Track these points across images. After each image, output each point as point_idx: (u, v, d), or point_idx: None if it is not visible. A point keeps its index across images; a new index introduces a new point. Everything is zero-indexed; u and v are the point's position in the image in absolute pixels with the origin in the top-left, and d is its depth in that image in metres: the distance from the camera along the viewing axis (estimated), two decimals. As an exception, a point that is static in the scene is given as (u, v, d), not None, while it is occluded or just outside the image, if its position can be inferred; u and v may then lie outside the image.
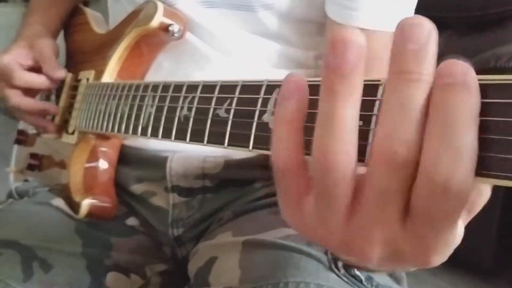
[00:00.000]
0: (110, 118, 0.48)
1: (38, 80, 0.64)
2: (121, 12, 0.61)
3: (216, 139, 0.32)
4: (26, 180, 0.68)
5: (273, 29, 0.56)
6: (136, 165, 0.62)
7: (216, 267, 0.50)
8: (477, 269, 1.34)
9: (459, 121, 0.20)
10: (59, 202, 0.60)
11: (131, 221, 0.63)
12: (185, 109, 0.36)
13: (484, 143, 0.20)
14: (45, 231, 0.56)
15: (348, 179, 0.23)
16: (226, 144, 0.31)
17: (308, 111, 0.24)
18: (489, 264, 1.30)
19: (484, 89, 0.21)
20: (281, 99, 0.24)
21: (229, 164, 0.58)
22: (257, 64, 0.58)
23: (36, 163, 0.68)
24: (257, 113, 0.30)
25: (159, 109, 0.39)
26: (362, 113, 0.23)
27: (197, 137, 0.34)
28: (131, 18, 0.58)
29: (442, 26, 1.60)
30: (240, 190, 0.59)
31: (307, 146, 0.24)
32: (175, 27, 0.54)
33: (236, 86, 0.32)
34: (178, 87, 0.38)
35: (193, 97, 0.35)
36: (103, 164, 0.59)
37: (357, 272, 0.46)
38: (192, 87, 0.36)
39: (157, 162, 0.59)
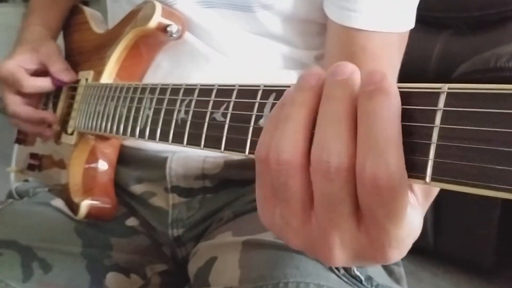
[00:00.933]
0: (109, 119, 0.48)
1: (47, 84, 0.64)
2: (120, 12, 0.61)
3: (212, 143, 0.32)
4: (26, 180, 0.68)
5: (272, 29, 0.56)
6: (136, 166, 0.62)
7: (216, 267, 0.50)
8: (477, 269, 1.34)
9: (379, 123, 0.22)
10: (58, 202, 0.60)
11: (131, 221, 0.63)
12: (182, 112, 0.36)
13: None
14: (45, 231, 0.56)
15: (297, 175, 0.25)
16: (222, 148, 0.31)
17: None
18: (489, 264, 1.30)
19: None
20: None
21: (229, 165, 0.58)
22: (256, 64, 0.58)
23: (36, 163, 0.68)
24: (253, 117, 0.30)
25: (157, 112, 0.39)
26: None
27: (194, 141, 0.34)
28: (130, 18, 0.58)
29: (442, 26, 1.60)
30: (240, 191, 0.59)
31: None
32: (173, 27, 0.54)
33: (232, 90, 0.32)
34: (175, 90, 0.38)
35: (190, 100, 0.35)
36: (102, 165, 0.59)
37: (357, 272, 0.46)
38: (189, 90, 0.36)
39: (157, 163, 0.59)
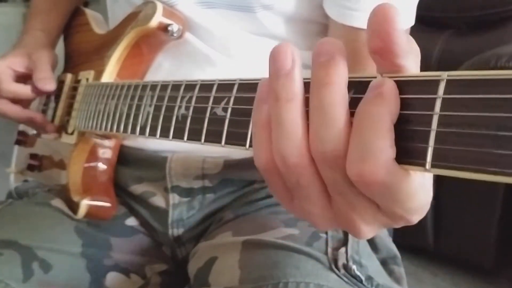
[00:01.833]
0: (109, 117, 0.48)
1: (23, 91, 0.64)
2: (120, 13, 0.62)
3: (213, 137, 0.32)
4: (25, 181, 0.68)
5: (273, 29, 0.56)
6: (135, 166, 0.62)
7: (216, 267, 0.50)
8: (478, 269, 1.34)
9: (371, 126, 0.22)
10: (58, 202, 0.60)
11: (131, 221, 0.63)
12: (183, 108, 0.36)
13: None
14: (45, 231, 0.56)
15: (307, 174, 0.25)
16: (223, 142, 0.31)
17: None
18: (490, 264, 1.30)
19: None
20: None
21: (229, 165, 0.58)
22: (258, 64, 0.58)
23: (36, 164, 0.68)
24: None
25: (157, 109, 0.39)
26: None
27: (194, 136, 0.34)
28: (131, 18, 0.58)
29: (442, 26, 1.60)
30: (240, 191, 0.59)
31: None
32: (174, 27, 0.54)
33: (233, 84, 0.32)
34: (176, 86, 0.38)
35: (191, 96, 0.35)
36: (102, 164, 0.59)
37: (357, 272, 0.46)
38: (190, 86, 0.36)
39: (157, 163, 0.59)
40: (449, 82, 0.20)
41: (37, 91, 0.64)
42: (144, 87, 0.43)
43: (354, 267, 0.46)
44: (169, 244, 0.61)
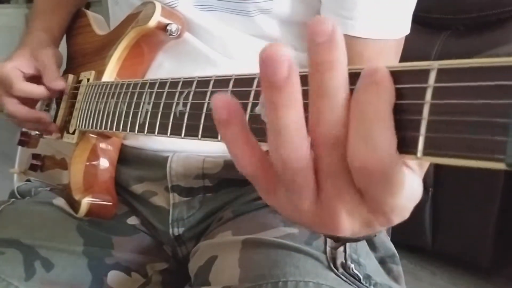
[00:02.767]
0: (109, 116, 0.49)
1: (37, 91, 0.65)
2: (120, 14, 0.62)
3: (210, 133, 0.33)
4: (28, 180, 0.68)
5: (271, 32, 0.56)
6: (136, 165, 0.62)
7: (216, 266, 0.50)
8: (476, 267, 1.34)
9: (371, 116, 0.22)
10: (60, 201, 0.61)
11: (132, 220, 0.63)
12: (181, 104, 0.36)
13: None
14: (47, 230, 0.56)
15: (305, 172, 0.25)
16: (219, 137, 0.32)
17: None
18: (488, 262, 1.30)
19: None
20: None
21: (229, 164, 0.58)
22: (257, 65, 0.58)
23: (38, 164, 0.69)
24: (249, 105, 0.30)
25: (156, 106, 0.40)
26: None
27: (191, 132, 0.34)
28: (131, 19, 0.59)
29: (441, 27, 1.60)
30: (239, 190, 0.60)
31: None
32: (173, 27, 0.55)
33: (229, 80, 0.32)
34: (174, 83, 0.38)
35: (188, 92, 0.36)
36: (103, 163, 0.60)
37: (356, 271, 0.46)
38: (188, 83, 0.36)
39: (158, 162, 0.60)
40: (440, 71, 0.21)
41: (52, 91, 0.65)
42: (143, 85, 0.43)
43: (352, 266, 0.46)
44: (170, 243, 0.62)
